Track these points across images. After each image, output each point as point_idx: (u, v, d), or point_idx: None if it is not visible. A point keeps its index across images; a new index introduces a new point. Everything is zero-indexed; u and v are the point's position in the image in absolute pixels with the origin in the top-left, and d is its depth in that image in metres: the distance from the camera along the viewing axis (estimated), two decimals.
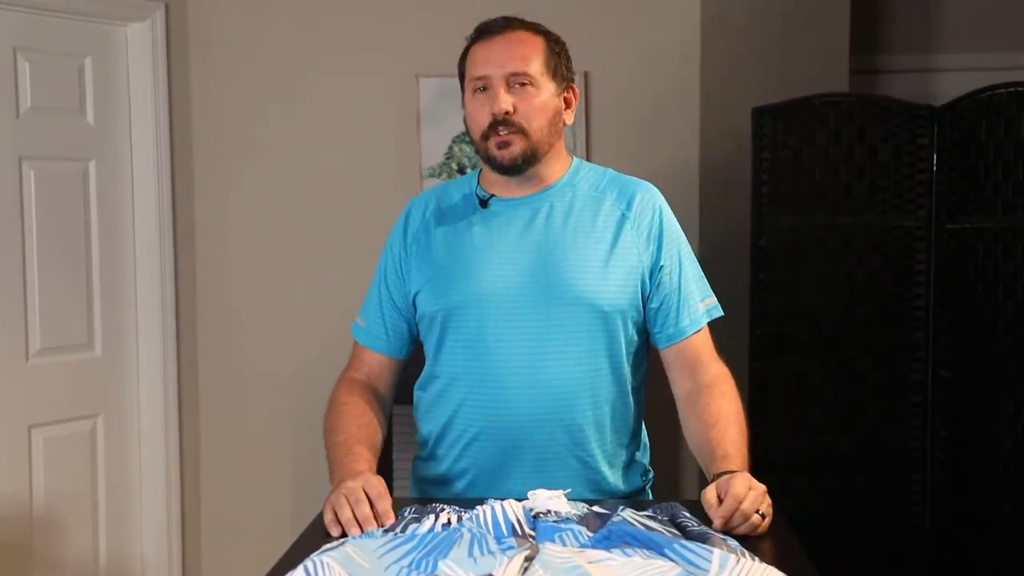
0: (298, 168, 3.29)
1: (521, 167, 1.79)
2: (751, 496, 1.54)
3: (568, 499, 1.56)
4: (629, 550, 1.36)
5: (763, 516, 1.54)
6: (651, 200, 1.86)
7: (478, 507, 1.51)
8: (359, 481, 1.60)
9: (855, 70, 3.91)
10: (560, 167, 1.87)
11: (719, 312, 1.91)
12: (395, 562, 1.36)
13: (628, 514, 1.49)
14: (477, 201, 1.86)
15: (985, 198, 2.88)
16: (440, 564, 1.33)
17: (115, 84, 3.14)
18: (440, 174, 3.23)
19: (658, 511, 1.57)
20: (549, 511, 1.52)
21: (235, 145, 3.29)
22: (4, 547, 2.93)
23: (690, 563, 1.33)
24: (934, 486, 3.10)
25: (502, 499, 1.53)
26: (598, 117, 3.19)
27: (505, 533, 1.44)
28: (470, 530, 1.42)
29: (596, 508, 1.56)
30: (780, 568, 1.33)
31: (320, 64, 3.27)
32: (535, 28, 1.83)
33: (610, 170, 1.92)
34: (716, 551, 1.34)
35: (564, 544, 1.40)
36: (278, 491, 3.34)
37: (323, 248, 3.30)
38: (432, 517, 1.50)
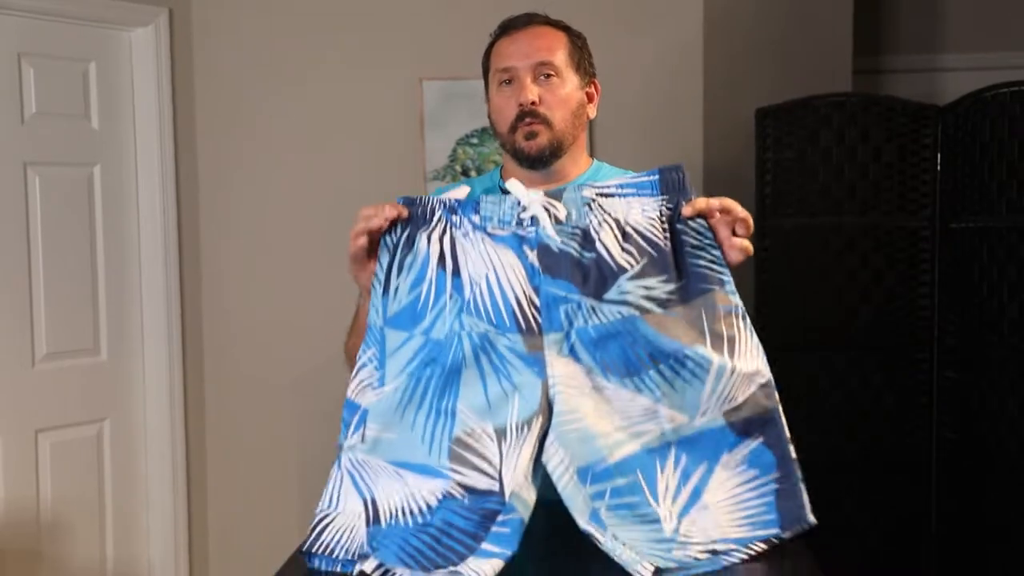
0: (302, 172, 3.30)
1: (547, 159, 1.83)
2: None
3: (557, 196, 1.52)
4: (629, 380, 1.43)
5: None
6: None
7: (474, 257, 1.49)
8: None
9: (858, 70, 3.91)
10: (582, 164, 1.91)
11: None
12: (413, 403, 1.45)
13: (637, 217, 1.49)
14: (500, 194, 1.87)
15: (989, 197, 2.88)
16: (459, 412, 1.42)
17: (119, 89, 3.14)
18: (444, 177, 3.24)
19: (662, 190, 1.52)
20: (538, 214, 1.49)
21: (239, 149, 3.30)
22: (12, 551, 2.93)
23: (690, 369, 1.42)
24: (939, 487, 3.10)
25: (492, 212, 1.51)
26: (601, 118, 3.19)
27: (507, 324, 1.44)
28: (471, 338, 1.45)
29: (592, 191, 1.51)
30: (784, 571, 1.34)
31: (324, 68, 3.28)
32: (557, 23, 1.88)
33: (630, 172, 1.93)
34: (714, 361, 1.41)
35: (571, 322, 1.44)
36: (285, 494, 3.35)
37: (328, 251, 3.30)
38: (426, 234, 1.51)
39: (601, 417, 1.43)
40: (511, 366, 1.44)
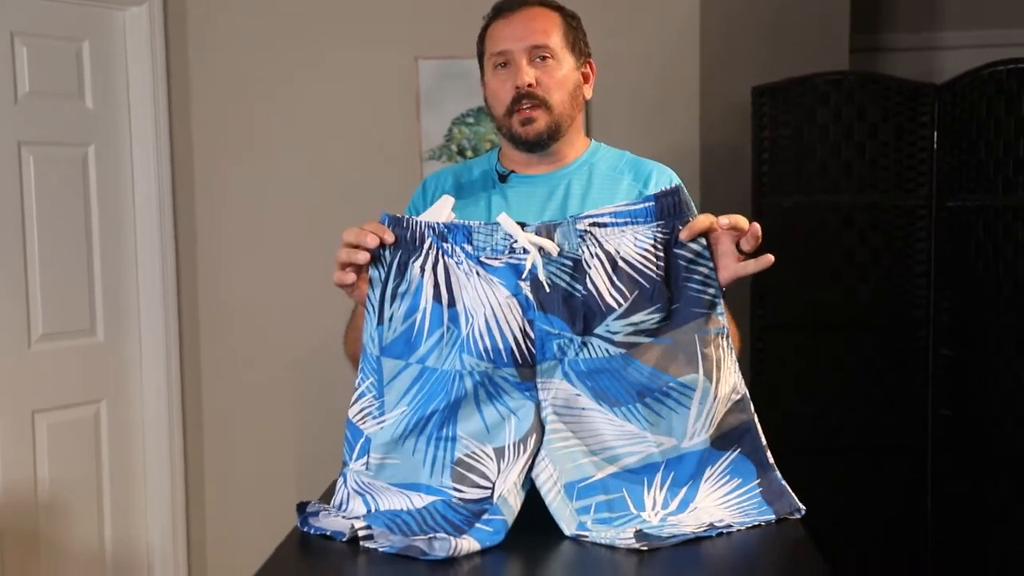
0: (298, 151, 3.29)
1: (545, 142, 1.82)
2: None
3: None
4: (617, 410, 1.48)
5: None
6: (667, 178, 1.87)
7: (469, 303, 1.50)
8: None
9: (855, 48, 3.89)
10: (579, 145, 1.90)
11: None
12: (414, 432, 1.49)
13: (627, 247, 1.49)
14: (496, 176, 1.88)
15: (986, 176, 2.88)
16: (458, 438, 1.48)
17: (113, 68, 3.13)
18: (440, 157, 3.23)
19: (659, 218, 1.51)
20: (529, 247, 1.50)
21: (235, 128, 3.29)
22: (10, 533, 2.94)
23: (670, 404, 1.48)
24: (935, 464, 3.11)
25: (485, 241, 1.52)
26: (597, 98, 3.17)
27: (505, 360, 1.49)
28: (472, 376, 1.48)
29: (586, 223, 1.51)
30: (782, 553, 1.35)
31: (319, 47, 3.26)
32: (550, 4, 1.86)
33: (627, 152, 1.94)
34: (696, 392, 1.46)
35: (563, 353, 1.48)
36: (282, 474, 3.36)
37: (324, 231, 3.29)
38: (418, 263, 1.51)
39: (590, 437, 1.50)
40: (506, 394, 1.50)
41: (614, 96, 3.18)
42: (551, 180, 1.86)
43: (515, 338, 1.48)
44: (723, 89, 3.29)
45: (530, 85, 1.78)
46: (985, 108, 2.87)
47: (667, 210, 1.50)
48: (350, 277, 1.54)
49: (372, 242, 1.50)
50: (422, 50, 3.22)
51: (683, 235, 1.49)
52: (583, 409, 1.50)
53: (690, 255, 1.50)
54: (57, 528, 3.04)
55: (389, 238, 1.51)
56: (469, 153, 3.22)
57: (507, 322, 1.48)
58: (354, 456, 1.53)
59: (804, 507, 1.51)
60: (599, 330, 1.48)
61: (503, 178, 1.87)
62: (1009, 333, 2.80)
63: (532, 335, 1.49)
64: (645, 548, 1.38)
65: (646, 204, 1.51)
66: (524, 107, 1.79)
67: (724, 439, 1.51)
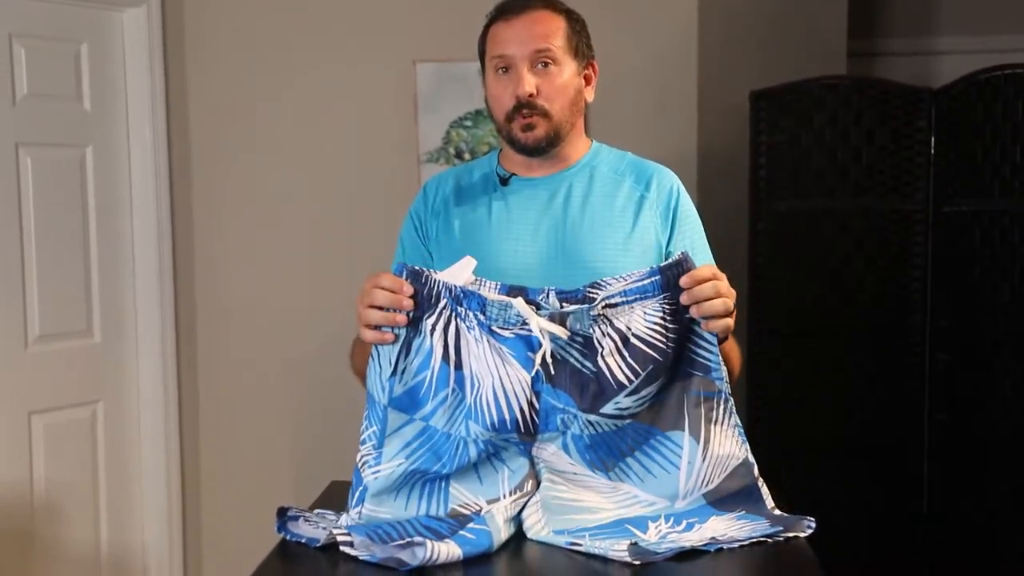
0: (295, 154, 3.29)
1: (545, 148, 1.80)
2: (715, 283, 1.53)
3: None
4: (613, 473, 1.51)
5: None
6: (669, 182, 1.86)
7: (480, 373, 1.50)
8: (367, 285, 1.54)
9: (853, 53, 3.90)
10: (581, 147, 1.89)
11: None
12: (407, 486, 1.50)
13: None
14: (497, 180, 1.86)
15: (982, 180, 2.89)
16: (451, 489, 1.51)
17: (111, 70, 3.13)
18: (438, 159, 3.23)
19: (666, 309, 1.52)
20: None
21: (232, 130, 3.29)
22: (5, 534, 2.93)
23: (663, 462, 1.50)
24: (931, 469, 3.11)
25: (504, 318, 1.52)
26: (596, 102, 3.19)
27: (509, 428, 1.50)
28: (476, 444, 1.50)
29: (598, 307, 1.51)
30: (778, 554, 1.35)
31: (317, 50, 3.26)
32: (554, 6, 1.83)
33: (629, 153, 1.92)
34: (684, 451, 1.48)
35: (566, 427, 1.50)
36: (278, 475, 3.35)
37: (321, 233, 3.30)
38: (431, 320, 1.51)
39: (583, 494, 1.52)
40: (504, 451, 1.53)
41: (612, 100, 3.17)
42: (552, 183, 1.84)
43: (521, 409, 1.50)
44: (721, 93, 3.30)
45: (531, 95, 1.75)
46: (982, 113, 2.88)
47: (673, 281, 1.51)
48: (390, 337, 1.52)
49: (409, 306, 1.51)
50: (420, 53, 3.22)
51: (684, 299, 1.51)
52: (575, 474, 1.52)
53: (695, 325, 1.53)
54: (53, 529, 3.04)
55: (409, 304, 1.51)
56: (467, 156, 3.22)
57: (515, 394, 1.49)
58: (353, 503, 1.53)
59: (813, 520, 1.50)
60: (608, 408, 1.49)
61: (504, 181, 1.86)
62: (1006, 338, 2.81)
63: (538, 407, 1.50)
64: (637, 563, 1.37)
65: (653, 279, 1.51)
66: (525, 115, 1.77)
67: (726, 502, 1.51)
